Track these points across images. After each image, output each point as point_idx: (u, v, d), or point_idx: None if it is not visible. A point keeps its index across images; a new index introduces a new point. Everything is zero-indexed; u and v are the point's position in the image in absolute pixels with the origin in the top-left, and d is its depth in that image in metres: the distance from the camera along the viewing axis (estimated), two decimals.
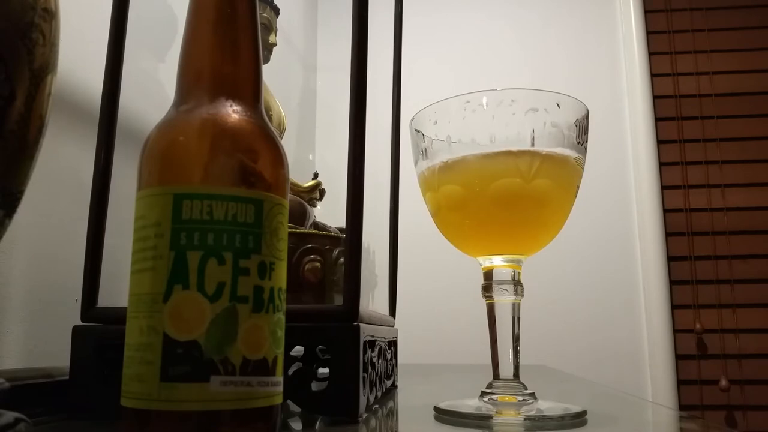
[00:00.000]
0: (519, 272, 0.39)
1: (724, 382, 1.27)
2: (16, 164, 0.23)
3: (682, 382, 1.29)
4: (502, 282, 0.39)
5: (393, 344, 0.52)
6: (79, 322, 0.37)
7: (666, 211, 1.38)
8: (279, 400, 0.24)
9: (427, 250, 1.08)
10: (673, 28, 1.47)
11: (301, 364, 0.36)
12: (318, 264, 0.45)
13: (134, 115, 0.51)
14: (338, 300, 0.44)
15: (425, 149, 0.40)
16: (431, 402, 0.40)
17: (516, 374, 0.38)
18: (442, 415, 0.37)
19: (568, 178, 0.38)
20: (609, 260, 1.38)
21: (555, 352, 1.29)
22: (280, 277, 0.24)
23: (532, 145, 0.37)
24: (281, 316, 0.24)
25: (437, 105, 0.39)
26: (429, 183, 0.41)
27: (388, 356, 0.48)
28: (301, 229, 0.48)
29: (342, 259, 0.45)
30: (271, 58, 0.58)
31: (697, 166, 1.40)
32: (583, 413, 0.35)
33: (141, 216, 0.23)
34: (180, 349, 0.21)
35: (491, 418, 0.35)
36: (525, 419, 0.35)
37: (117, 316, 0.35)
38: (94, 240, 0.38)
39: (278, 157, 0.25)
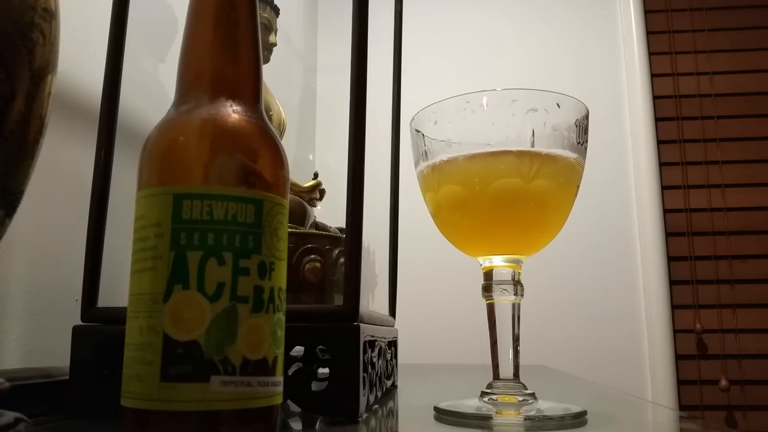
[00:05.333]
0: (519, 272, 0.39)
1: (724, 382, 1.27)
2: (16, 164, 0.23)
3: (682, 382, 1.29)
4: (502, 282, 0.39)
5: (393, 344, 0.52)
6: (79, 322, 0.37)
7: (666, 211, 1.38)
8: (279, 400, 0.24)
9: (427, 250, 1.08)
10: (673, 28, 1.47)
11: (301, 364, 0.36)
12: (318, 264, 0.45)
13: (134, 115, 0.51)
14: (338, 300, 0.44)
15: (425, 149, 0.40)
16: (431, 402, 0.40)
17: (516, 374, 0.38)
18: (442, 415, 0.36)
19: (568, 178, 0.38)
20: (609, 260, 1.38)
21: (555, 352, 1.29)
22: (280, 277, 0.24)
23: (532, 145, 0.37)
24: (281, 316, 0.24)
25: (437, 105, 0.39)
26: (429, 183, 0.41)
27: (388, 356, 0.48)
28: (301, 229, 0.48)
29: (342, 259, 0.45)
30: (271, 58, 0.58)
31: (697, 166, 1.40)
32: (583, 413, 0.35)
33: (141, 216, 0.23)
34: (180, 349, 0.21)
35: (491, 418, 0.35)
36: (525, 419, 0.35)
37: (117, 316, 0.35)
38: (94, 240, 0.38)
39: (278, 157, 0.25)
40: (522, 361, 0.39)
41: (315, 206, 0.59)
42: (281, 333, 0.24)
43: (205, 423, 0.21)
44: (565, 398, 0.46)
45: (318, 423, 0.34)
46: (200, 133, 0.24)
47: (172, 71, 0.26)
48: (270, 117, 0.55)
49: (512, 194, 0.37)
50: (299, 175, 0.62)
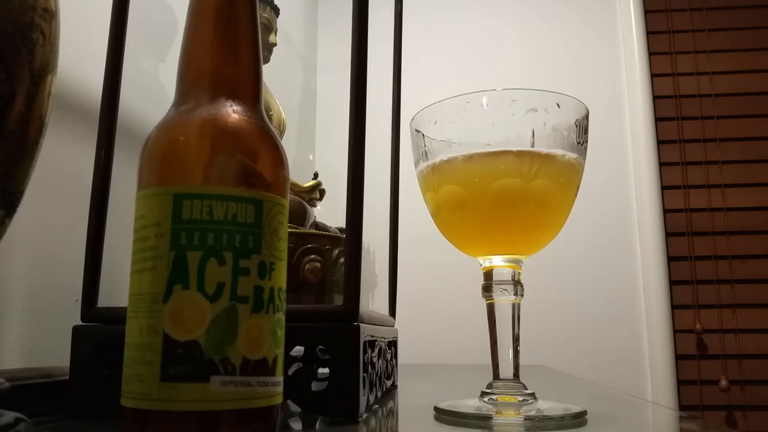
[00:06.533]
0: (519, 272, 0.39)
1: (724, 382, 1.27)
2: (16, 164, 0.23)
3: (682, 382, 1.29)
4: (502, 282, 0.39)
5: (393, 344, 0.52)
6: (79, 322, 0.37)
7: (666, 211, 1.38)
8: (279, 400, 0.24)
9: (427, 250, 1.08)
10: (673, 28, 1.47)
11: (301, 364, 0.36)
12: (318, 264, 0.45)
13: (134, 115, 0.51)
14: (338, 300, 0.44)
15: (425, 149, 0.40)
16: (431, 402, 0.40)
17: (516, 374, 0.38)
18: (442, 415, 0.36)
19: (568, 178, 0.38)
20: (609, 260, 1.38)
21: (555, 353, 1.29)
22: (280, 277, 0.24)
23: (532, 145, 0.37)
24: (281, 316, 0.24)
25: (437, 105, 0.39)
26: (429, 183, 0.41)
27: (388, 356, 0.48)
28: (301, 229, 0.48)
29: (342, 259, 0.45)
30: (271, 58, 0.58)
31: (697, 166, 1.40)
32: (583, 413, 0.35)
33: (141, 216, 0.23)
34: (180, 349, 0.21)
35: (491, 418, 0.35)
36: (525, 419, 0.35)
37: (117, 316, 0.35)
38: (94, 240, 0.38)
39: (278, 157, 0.25)
40: (522, 361, 0.39)
41: (315, 206, 0.59)
42: (281, 333, 0.24)
43: (205, 423, 0.21)
44: (565, 398, 0.46)
45: (318, 423, 0.34)
46: (200, 133, 0.24)
47: (172, 71, 0.26)
48: (270, 117, 0.55)
49: (512, 194, 0.37)
50: (299, 175, 0.62)
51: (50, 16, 0.24)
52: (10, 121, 0.22)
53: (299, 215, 0.51)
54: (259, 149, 0.24)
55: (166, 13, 0.61)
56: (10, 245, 0.40)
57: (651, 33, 1.47)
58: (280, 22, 0.60)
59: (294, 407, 0.35)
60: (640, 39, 1.45)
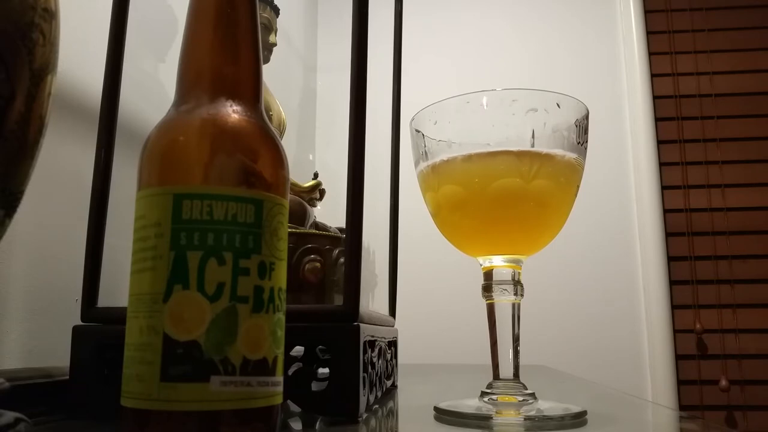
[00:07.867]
0: (519, 272, 0.39)
1: (724, 382, 1.27)
2: (16, 164, 0.23)
3: (682, 382, 1.29)
4: (502, 282, 0.39)
5: (393, 344, 0.52)
6: (79, 322, 0.37)
7: (666, 211, 1.38)
8: (279, 400, 0.24)
9: (427, 250, 1.08)
10: (673, 28, 1.47)
11: (301, 364, 0.36)
12: (318, 264, 0.45)
13: (134, 115, 0.51)
14: (338, 300, 0.44)
15: (425, 149, 0.40)
16: (431, 402, 0.40)
17: (516, 374, 0.38)
18: (442, 415, 0.36)
19: (568, 179, 0.38)
20: (609, 260, 1.38)
21: (555, 353, 1.29)
22: (280, 277, 0.24)
23: (532, 145, 0.37)
24: (281, 316, 0.24)
25: (437, 105, 0.39)
26: (429, 183, 0.41)
27: (388, 356, 0.48)
28: (301, 229, 0.48)
29: (342, 259, 0.45)
30: (271, 58, 0.58)
31: (697, 166, 1.40)
32: (583, 413, 0.35)
33: (141, 216, 0.23)
34: (180, 349, 0.21)
35: (491, 418, 0.35)
36: (525, 419, 0.35)
37: (117, 316, 0.35)
38: (94, 240, 0.38)
39: (278, 157, 0.25)
40: (522, 361, 0.39)
41: (315, 206, 0.59)
42: (281, 333, 0.24)
43: (205, 423, 0.21)
44: (565, 398, 0.46)
45: (318, 423, 0.34)
46: (200, 133, 0.24)
47: (172, 71, 0.26)
48: (270, 117, 0.55)
49: (512, 194, 0.37)
50: (299, 175, 0.62)
51: (50, 16, 0.24)
52: (10, 121, 0.22)
53: (299, 215, 0.51)
54: (259, 149, 0.24)
55: (166, 13, 0.61)
56: (10, 245, 0.40)
57: (651, 33, 1.47)
58: (280, 22, 0.60)
59: (294, 407, 0.35)
60: (640, 39, 1.45)
